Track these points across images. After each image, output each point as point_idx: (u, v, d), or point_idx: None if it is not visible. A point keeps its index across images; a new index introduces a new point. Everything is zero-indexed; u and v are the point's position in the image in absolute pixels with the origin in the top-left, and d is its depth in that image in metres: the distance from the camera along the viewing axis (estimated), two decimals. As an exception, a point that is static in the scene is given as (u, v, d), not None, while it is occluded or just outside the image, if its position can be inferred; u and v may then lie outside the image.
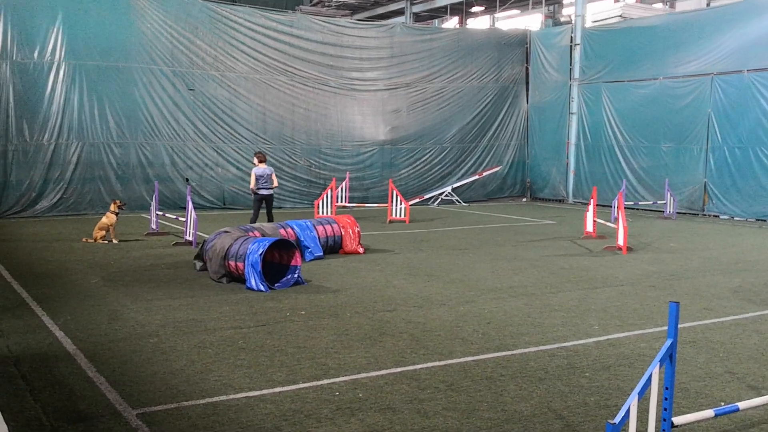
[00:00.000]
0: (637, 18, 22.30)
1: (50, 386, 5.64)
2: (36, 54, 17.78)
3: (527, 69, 25.27)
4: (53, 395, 5.45)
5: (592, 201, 15.06)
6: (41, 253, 12.26)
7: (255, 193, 14.02)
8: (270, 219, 14.06)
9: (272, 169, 14.21)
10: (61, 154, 18.16)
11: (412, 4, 28.89)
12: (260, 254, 9.23)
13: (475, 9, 29.50)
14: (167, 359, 6.37)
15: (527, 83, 25.30)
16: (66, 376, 5.88)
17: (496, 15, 30.64)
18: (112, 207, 13.65)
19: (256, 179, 13.84)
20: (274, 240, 9.61)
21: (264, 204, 14.06)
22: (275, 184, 14.13)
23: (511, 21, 32.27)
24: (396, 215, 17.88)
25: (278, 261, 9.95)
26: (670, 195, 19.36)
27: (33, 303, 8.46)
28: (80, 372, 5.99)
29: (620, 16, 22.63)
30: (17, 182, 17.71)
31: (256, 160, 14.04)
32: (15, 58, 17.56)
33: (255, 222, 13.49)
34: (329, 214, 17.25)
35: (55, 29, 17.89)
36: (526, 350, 6.77)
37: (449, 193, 23.28)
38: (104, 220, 13.56)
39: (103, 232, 13.50)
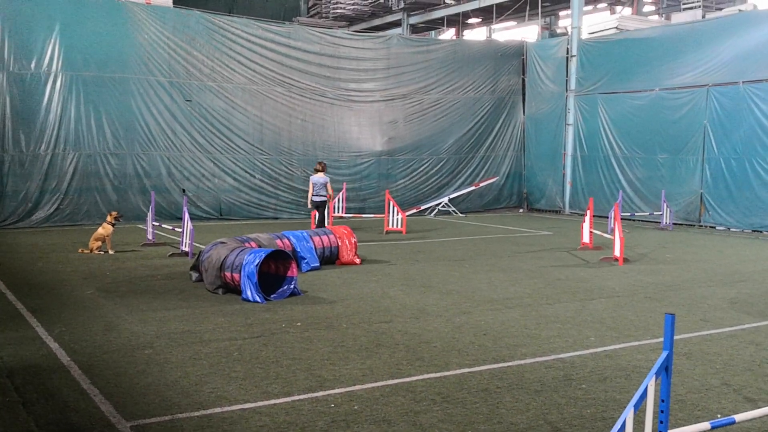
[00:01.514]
0: (633, 30, 22.40)
1: (43, 398, 5.61)
2: (33, 65, 17.78)
3: (524, 80, 25.34)
4: (46, 407, 5.42)
5: (588, 212, 15.08)
6: (36, 263, 12.22)
7: (311, 201, 14.85)
8: (321, 225, 14.77)
9: (327, 179, 14.91)
10: (58, 164, 18.13)
11: (408, 15, 29.00)
12: (256, 265, 9.21)
13: (471, 20, 29.65)
14: (162, 371, 6.34)
15: (524, 94, 25.36)
16: (59, 388, 5.85)
17: (493, 26, 30.78)
18: (109, 218, 13.62)
19: (312, 186, 14.73)
20: (271, 251, 9.59)
21: (318, 210, 14.91)
22: (330, 192, 14.80)
23: (507, 32, 32.43)
24: (393, 226, 17.88)
25: (274, 272, 9.93)
26: (667, 206, 19.38)
27: (27, 314, 8.42)
28: (74, 384, 5.96)
29: (616, 27, 22.74)
30: (13, 192, 17.67)
31: (319, 167, 14.95)
32: (12, 68, 17.55)
33: (322, 227, 14.15)
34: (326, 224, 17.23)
35: (53, 40, 17.90)
36: (523, 362, 6.75)
37: (446, 203, 23.28)
38: (100, 230, 13.52)
39: (99, 243, 13.46)
